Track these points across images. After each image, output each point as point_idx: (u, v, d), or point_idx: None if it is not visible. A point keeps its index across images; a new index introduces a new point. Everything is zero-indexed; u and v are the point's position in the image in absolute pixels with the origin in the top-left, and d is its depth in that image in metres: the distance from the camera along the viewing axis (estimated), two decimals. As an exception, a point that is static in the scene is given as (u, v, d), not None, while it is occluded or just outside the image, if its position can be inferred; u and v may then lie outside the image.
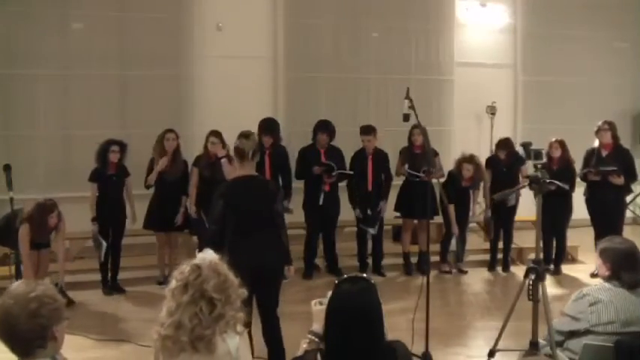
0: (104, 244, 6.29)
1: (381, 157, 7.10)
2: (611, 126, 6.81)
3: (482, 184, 7.29)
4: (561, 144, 6.99)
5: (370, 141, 6.98)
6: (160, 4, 7.93)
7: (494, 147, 7.63)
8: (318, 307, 2.41)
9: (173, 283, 2.29)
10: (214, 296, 2.27)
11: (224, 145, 6.44)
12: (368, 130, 7.02)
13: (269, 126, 7.00)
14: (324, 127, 7.08)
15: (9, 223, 5.66)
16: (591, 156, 6.92)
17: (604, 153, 6.84)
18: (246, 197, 4.17)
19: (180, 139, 6.68)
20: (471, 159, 7.07)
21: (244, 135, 4.30)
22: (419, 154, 6.96)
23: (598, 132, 6.85)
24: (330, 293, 2.30)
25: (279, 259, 4.31)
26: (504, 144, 7.31)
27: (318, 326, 2.38)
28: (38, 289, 2.18)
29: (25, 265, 5.59)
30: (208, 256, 2.35)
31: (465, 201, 7.22)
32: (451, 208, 7.04)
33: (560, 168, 6.90)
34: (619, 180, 6.70)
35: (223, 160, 6.34)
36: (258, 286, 4.12)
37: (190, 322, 2.25)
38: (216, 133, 6.50)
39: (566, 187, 6.76)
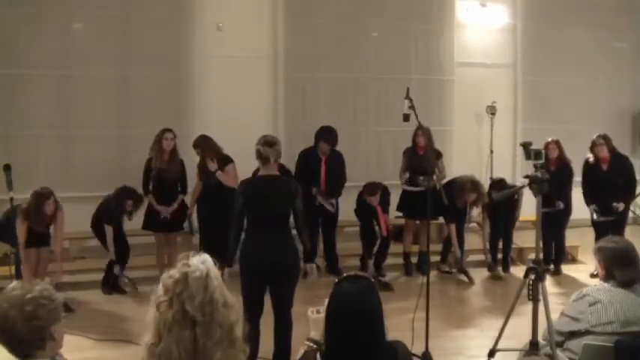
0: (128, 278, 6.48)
1: (386, 199, 7.05)
2: (606, 140, 6.75)
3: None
4: (557, 144, 6.97)
5: (376, 199, 6.91)
6: (160, 4, 7.92)
7: (488, 187, 7.43)
8: (316, 316, 2.39)
9: (160, 290, 1.94)
10: (197, 318, 1.87)
11: (211, 156, 6.45)
12: (374, 190, 6.90)
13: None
14: (326, 135, 6.98)
15: (9, 221, 5.67)
16: (590, 170, 6.86)
17: (604, 167, 6.80)
18: (264, 196, 4.21)
19: (177, 138, 6.68)
20: (474, 187, 6.90)
21: (268, 143, 4.26)
22: (422, 155, 6.95)
23: (594, 147, 6.78)
24: (326, 301, 2.29)
25: (294, 258, 4.36)
26: (498, 185, 7.22)
27: (315, 334, 2.36)
28: (34, 291, 2.17)
29: (23, 258, 5.57)
30: (202, 265, 1.94)
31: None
32: (452, 228, 7.03)
33: (558, 168, 6.89)
34: (621, 206, 6.72)
35: (218, 174, 6.36)
36: (272, 284, 4.23)
37: (179, 354, 1.86)
38: (195, 144, 6.58)
39: (562, 205, 6.86)
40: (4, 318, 2.12)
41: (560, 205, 6.86)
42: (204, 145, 6.53)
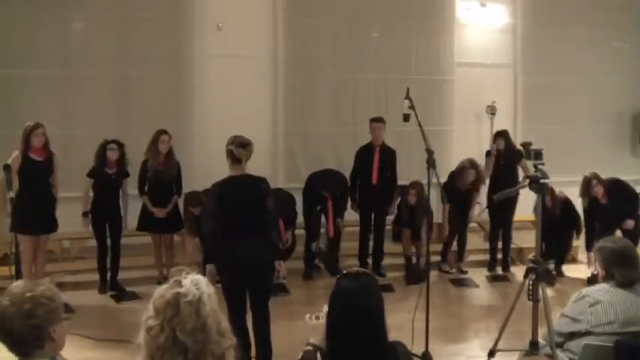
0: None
1: (388, 153, 7.07)
2: (598, 179, 6.66)
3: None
4: (553, 197, 6.82)
5: (380, 129, 6.96)
6: (160, 4, 7.92)
7: (492, 138, 7.58)
8: (315, 322, 2.36)
9: (150, 311, 1.87)
10: (188, 345, 1.81)
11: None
12: (379, 118, 7.03)
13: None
14: (325, 184, 7.03)
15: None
16: (591, 213, 6.78)
17: (603, 201, 6.71)
18: (237, 196, 4.27)
19: (176, 138, 6.66)
20: (472, 165, 7.03)
21: (242, 145, 4.31)
22: (413, 205, 6.97)
23: (589, 190, 6.66)
24: (325, 307, 2.29)
25: (270, 256, 4.44)
26: (502, 134, 7.28)
27: (315, 339, 2.35)
28: (35, 290, 2.18)
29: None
30: (194, 288, 1.85)
31: (466, 201, 7.21)
32: (446, 208, 7.03)
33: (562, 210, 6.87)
34: (631, 223, 6.66)
35: None
36: (249, 284, 4.31)
37: None
38: (193, 204, 6.35)
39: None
40: (2, 315, 2.13)
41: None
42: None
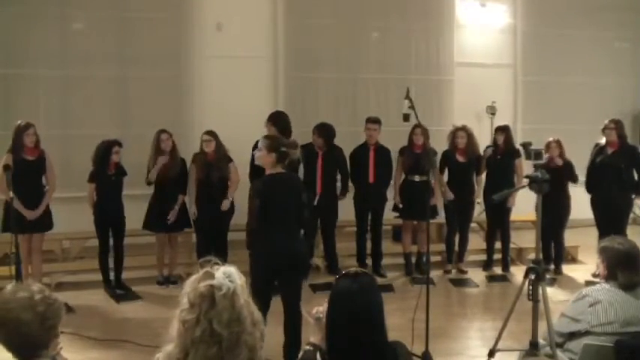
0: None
1: (383, 152, 7.07)
2: (617, 125, 6.75)
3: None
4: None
5: (376, 130, 6.96)
6: (160, 4, 7.93)
7: (493, 132, 7.57)
8: (314, 322, 2.38)
9: (185, 304, 1.87)
10: (223, 335, 1.83)
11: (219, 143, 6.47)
12: (375, 119, 7.03)
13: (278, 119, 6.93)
14: (319, 128, 6.97)
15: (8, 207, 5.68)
16: (597, 152, 6.87)
17: (609, 150, 6.78)
18: (279, 193, 4.40)
19: (173, 137, 6.63)
20: (463, 127, 7.08)
21: (296, 145, 4.54)
22: (419, 153, 6.94)
23: (604, 130, 6.80)
24: (325, 306, 2.29)
25: (306, 251, 4.65)
26: (503, 129, 7.26)
27: (316, 339, 2.35)
28: (38, 291, 2.17)
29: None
30: (227, 281, 1.85)
31: (466, 203, 7.20)
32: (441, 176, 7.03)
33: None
34: None
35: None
36: (285, 278, 4.40)
37: None
38: (209, 132, 6.52)
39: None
40: (17, 322, 2.10)
41: None
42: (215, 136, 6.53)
